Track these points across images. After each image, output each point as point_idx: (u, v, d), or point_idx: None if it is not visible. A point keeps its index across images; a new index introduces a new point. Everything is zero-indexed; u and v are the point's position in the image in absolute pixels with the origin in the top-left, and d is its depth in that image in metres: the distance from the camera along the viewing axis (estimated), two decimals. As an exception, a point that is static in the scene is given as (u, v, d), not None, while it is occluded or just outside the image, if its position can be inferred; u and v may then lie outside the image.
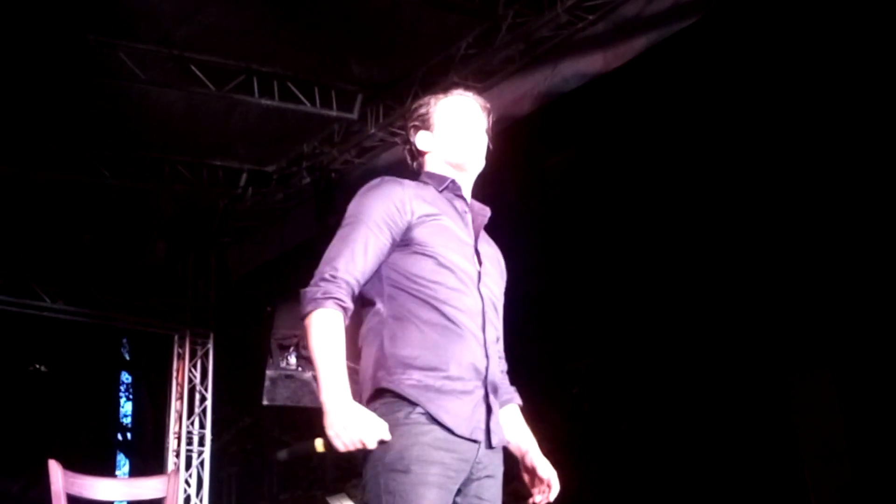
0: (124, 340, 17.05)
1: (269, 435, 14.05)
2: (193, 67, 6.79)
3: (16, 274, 8.79)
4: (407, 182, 2.44)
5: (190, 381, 9.19)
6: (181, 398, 9.12)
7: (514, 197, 10.90)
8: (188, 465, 8.92)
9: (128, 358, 17.63)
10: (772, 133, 8.84)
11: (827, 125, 8.30)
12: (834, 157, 8.27)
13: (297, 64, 7.01)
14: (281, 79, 7.06)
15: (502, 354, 2.55)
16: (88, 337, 14.36)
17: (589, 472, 9.59)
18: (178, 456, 8.93)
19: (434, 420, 2.20)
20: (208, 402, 9.18)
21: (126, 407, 18.06)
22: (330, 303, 2.25)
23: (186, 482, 8.81)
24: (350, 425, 2.14)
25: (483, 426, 2.28)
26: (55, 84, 6.83)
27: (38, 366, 16.54)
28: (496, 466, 2.35)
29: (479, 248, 2.44)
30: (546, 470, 2.47)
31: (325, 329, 2.24)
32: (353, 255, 2.30)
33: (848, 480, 8.10)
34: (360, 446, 2.15)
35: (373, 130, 7.42)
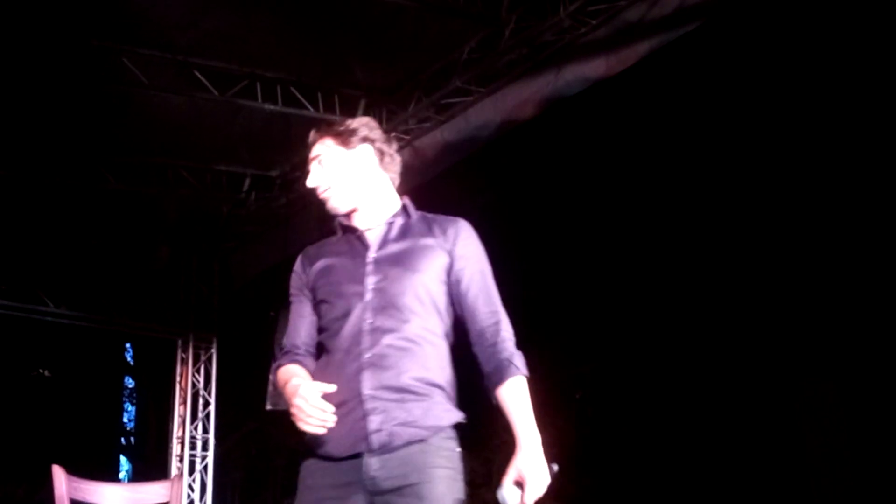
0: (128, 345, 17.06)
1: (272, 440, 14.04)
2: (197, 73, 6.80)
3: (19, 279, 8.79)
4: (310, 247, 2.64)
5: (193, 385, 9.19)
6: (184, 403, 9.12)
7: (519, 202, 10.90)
8: (191, 470, 8.91)
9: (131, 363, 17.65)
10: (776, 138, 8.84)
11: (833, 131, 8.29)
12: (840, 165, 8.27)
13: (301, 69, 7.02)
14: (284, 84, 7.06)
15: (497, 330, 2.43)
16: (92, 342, 14.37)
17: (594, 478, 9.58)
18: (181, 461, 8.93)
19: (315, 452, 2.35)
20: (212, 407, 9.18)
21: (129, 411, 18.08)
22: (283, 361, 2.51)
23: (190, 487, 8.81)
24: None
25: (364, 434, 2.30)
26: (58, 89, 6.84)
27: (41, 370, 16.55)
28: (415, 471, 2.28)
29: (383, 253, 2.47)
30: (520, 469, 2.28)
31: (280, 375, 2.47)
32: (288, 330, 2.56)
33: (853, 488, 8.08)
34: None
35: (376, 135, 7.42)
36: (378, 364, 2.33)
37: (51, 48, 6.37)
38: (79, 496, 3.82)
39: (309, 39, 6.68)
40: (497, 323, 2.43)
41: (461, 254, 2.47)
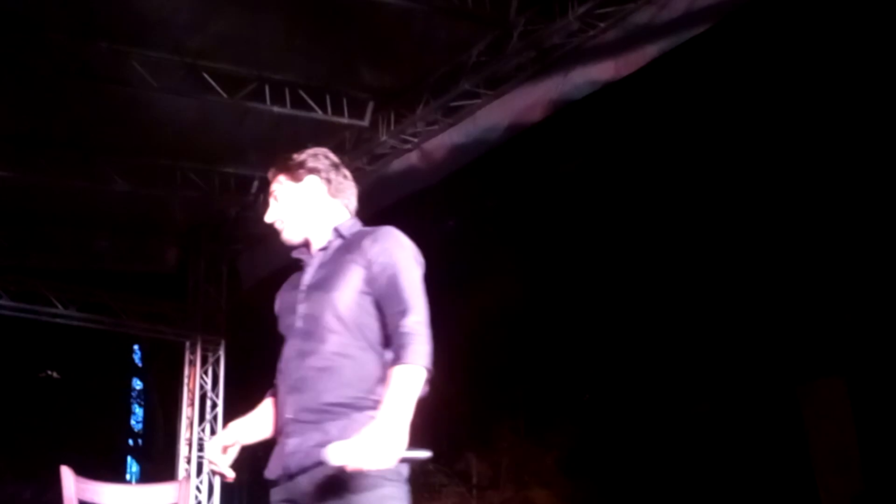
0: (136, 347, 17.09)
1: (279, 442, 14.04)
2: (206, 75, 6.82)
3: (28, 280, 8.82)
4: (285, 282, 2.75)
5: (201, 387, 9.20)
6: (192, 405, 9.12)
7: (526, 205, 10.89)
8: (199, 472, 8.92)
9: (139, 364, 17.67)
10: (783, 141, 8.82)
11: (839, 133, 8.27)
12: (848, 166, 8.25)
13: (309, 72, 7.03)
14: (293, 86, 7.07)
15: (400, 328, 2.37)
16: (100, 343, 14.38)
17: (598, 480, 9.56)
18: (189, 462, 8.94)
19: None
20: (219, 409, 9.18)
21: (137, 413, 18.10)
22: (267, 393, 2.71)
23: (197, 489, 8.82)
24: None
25: (283, 457, 2.44)
26: (67, 91, 6.86)
27: (49, 372, 16.59)
28: (343, 489, 2.28)
29: (312, 281, 2.55)
30: (362, 435, 2.18)
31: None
32: None
33: (860, 489, 8.05)
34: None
35: (384, 138, 7.42)
36: (299, 388, 2.45)
37: (60, 50, 6.39)
38: (87, 497, 3.83)
39: (317, 42, 6.69)
40: (402, 321, 2.35)
41: (374, 259, 2.47)
